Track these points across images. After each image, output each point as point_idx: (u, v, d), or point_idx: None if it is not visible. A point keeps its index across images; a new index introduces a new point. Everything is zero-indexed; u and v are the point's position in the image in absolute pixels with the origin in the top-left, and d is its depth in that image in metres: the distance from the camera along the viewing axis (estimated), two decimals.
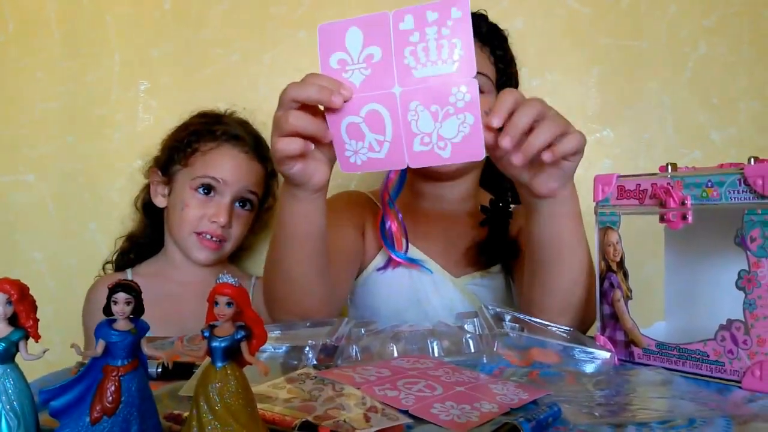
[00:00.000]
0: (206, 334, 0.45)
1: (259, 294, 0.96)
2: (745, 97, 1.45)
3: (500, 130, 0.72)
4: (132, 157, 1.49)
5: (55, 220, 1.53)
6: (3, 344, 0.45)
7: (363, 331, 0.82)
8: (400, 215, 1.10)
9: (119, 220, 1.50)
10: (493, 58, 1.16)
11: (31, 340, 0.46)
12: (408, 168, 0.79)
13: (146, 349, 0.47)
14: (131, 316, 0.46)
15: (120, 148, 1.52)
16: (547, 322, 0.83)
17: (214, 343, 0.45)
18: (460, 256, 1.13)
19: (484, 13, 1.20)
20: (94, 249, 1.52)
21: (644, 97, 1.47)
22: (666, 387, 0.68)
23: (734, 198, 0.66)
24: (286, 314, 0.91)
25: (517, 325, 0.81)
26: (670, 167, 0.74)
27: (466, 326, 0.82)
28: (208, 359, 0.46)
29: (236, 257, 1.47)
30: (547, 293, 0.88)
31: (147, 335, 0.47)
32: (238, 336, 0.45)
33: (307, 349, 0.75)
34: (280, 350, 0.78)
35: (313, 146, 0.76)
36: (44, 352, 0.46)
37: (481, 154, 0.72)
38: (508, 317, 0.83)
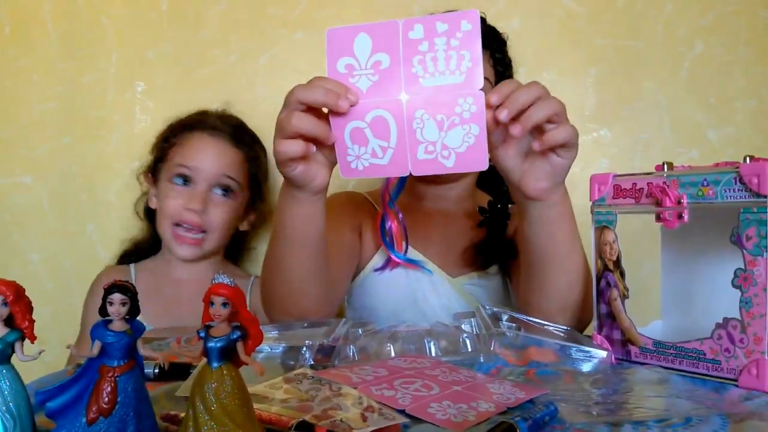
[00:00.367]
0: (202, 334, 0.45)
1: (257, 293, 0.96)
2: (742, 97, 1.46)
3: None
4: (129, 158, 1.49)
5: (53, 221, 1.53)
6: None
7: (360, 332, 0.82)
8: (401, 215, 1.10)
9: (117, 221, 1.50)
10: (493, 60, 1.17)
11: (27, 341, 0.46)
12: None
13: (142, 349, 0.47)
14: (127, 317, 0.46)
15: (117, 149, 1.52)
16: (544, 322, 0.83)
17: (210, 344, 0.45)
18: (457, 257, 1.14)
19: (482, 15, 1.21)
20: (92, 250, 1.52)
21: (641, 96, 1.47)
22: (663, 386, 0.68)
23: (730, 197, 0.66)
24: (284, 314, 0.91)
25: (514, 324, 0.81)
26: (666, 166, 0.74)
27: (463, 326, 0.82)
28: (204, 360, 0.46)
29: (239, 256, 1.46)
30: (543, 296, 0.88)
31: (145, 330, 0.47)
32: (234, 336, 0.45)
33: (304, 349, 0.75)
34: (278, 350, 0.78)
35: (314, 148, 0.76)
36: (40, 353, 0.46)
37: (484, 165, 0.72)
38: (505, 317, 0.83)
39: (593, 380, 0.70)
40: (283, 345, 0.78)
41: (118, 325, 0.46)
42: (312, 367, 0.73)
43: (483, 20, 1.17)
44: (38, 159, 1.52)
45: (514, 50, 1.27)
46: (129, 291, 0.45)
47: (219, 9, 1.51)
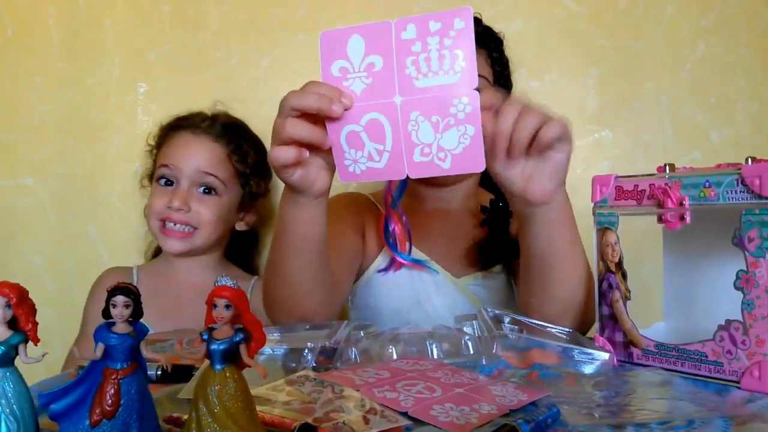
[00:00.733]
0: (205, 336, 0.45)
1: (258, 295, 0.96)
2: (743, 98, 1.46)
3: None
4: (131, 160, 1.50)
5: (55, 223, 1.53)
6: (2, 347, 0.45)
7: (362, 334, 0.82)
8: (404, 217, 1.10)
9: (118, 223, 1.50)
10: (490, 60, 1.17)
11: (30, 343, 0.46)
12: None
13: (145, 352, 0.47)
14: (130, 319, 0.46)
15: (119, 151, 1.52)
16: (546, 324, 0.83)
17: (213, 346, 0.45)
18: (461, 257, 1.14)
19: (478, 15, 1.21)
20: (94, 252, 1.52)
21: (642, 97, 1.47)
22: (665, 388, 0.68)
23: (732, 198, 0.66)
24: (286, 317, 0.91)
25: (516, 326, 0.81)
26: (667, 168, 0.74)
27: (465, 328, 0.82)
28: (207, 362, 0.46)
29: (244, 258, 1.46)
30: (546, 301, 0.88)
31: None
32: (237, 338, 0.45)
33: (306, 351, 0.75)
34: (279, 352, 0.78)
35: (308, 154, 0.76)
36: (43, 355, 0.46)
37: (481, 166, 0.72)
38: (507, 319, 0.82)
39: (595, 382, 0.70)
40: (285, 347, 0.78)
41: (121, 328, 0.46)
42: (314, 369, 0.73)
43: (479, 20, 1.18)
44: (40, 161, 1.52)
45: (515, 51, 1.27)
46: (132, 293, 0.45)
47: (220, 11, 1.51)
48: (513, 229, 1.14)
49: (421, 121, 0.71)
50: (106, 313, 0.45)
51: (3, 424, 0.44)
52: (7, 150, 1.53)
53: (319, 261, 0.88)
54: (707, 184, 0.68)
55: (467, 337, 0.79)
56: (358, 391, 0.62)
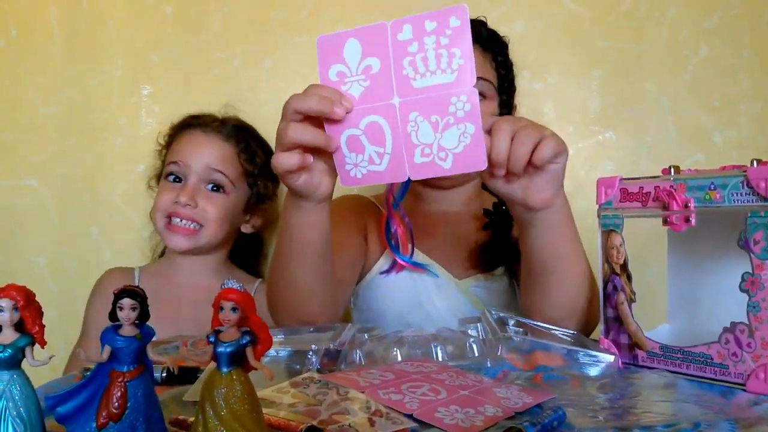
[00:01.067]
0: (211, 339, 0.45)
1: (262, 298, 0.96)
2: (746, 99, 1.45)
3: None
4: (134, 162, 1.50)
5: (57, 224, 1.53)
6: (10, 350, 0.45)
7: (366, 336, 0.82)
8: (407, 219, 1.10)
9: (121, 224, 1.51)
10: (495, 63, 1.17)
11: (37, 346, 0.46)
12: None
13: (152, 354, 0.47)
14: (137, 321, 0.46)
15: (122, 152, 1.52)
16: (550, 326, 0.83)
17: (220, 349, 0.45)
18: (463, 259, 1.14)
19: (483, 19, 1.21)
20: (96, 253, 1.52)
21: (645, 99, 1.47)
22: (670, 390, 0.68)
23: (737, 200, 0.66)
24: (290, 319, 0.91)
25: (520, 328, 0.81)
26: (672, 170, 0.74)
27: (469, 331, 0.82)
28: (213, 364, 0.46)
29: (250, 261, 1.46)
30: (548, 304, 0.88)
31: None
32: (244, 341, 0.45)
33: (311, 353, 0.75)
34: (283, 354, 0.78)
35: (312, 159, 0.76)
36: (50, 358, 0.46)
37: (483, 164, 0.71)
38: (511, 321, 0.82)
39: (600, 385, 0.70)
40: (289, 349, 0.78)
41: (127, 330, 0.46)
42: (318, 371, 0.73)
43: (484, 25, 1.19)
44: (43, 162, 1.53)
45: (517, 53, 1.27)
46: (139, 296, 0.45)
47: (222, 12, 1.51)
48: (515, 231, 1.14)
49: (421, 122, 0.71)
50: (112, 316, 0.45)
51: (10, 427, 0.44)
52: (9, 150, 1.53)
53: (322, 264, 0.88)
54: (712, 186, 0.68)
55: (472, 340, 0.79)
56: (363, 393, 0.62)
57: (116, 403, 0.45)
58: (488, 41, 1.16)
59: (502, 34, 1.23)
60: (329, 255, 0.88)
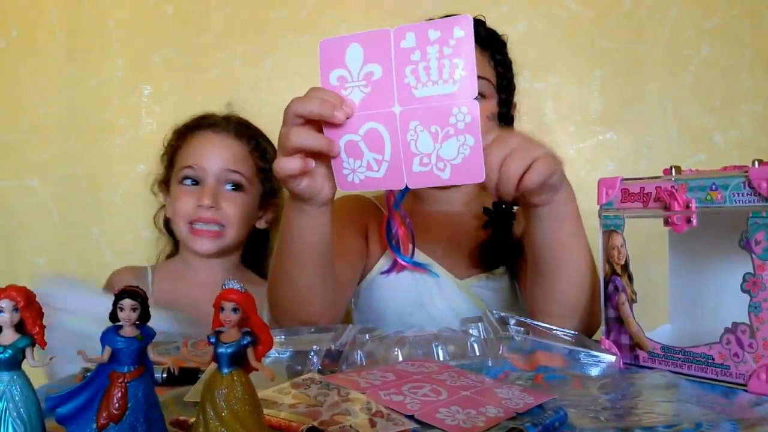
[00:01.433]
0: (212, 340, 0.45)
1: None
2: (747, 99, 1.45)
3: None
4: (135, 162, 1.50)
5: (58, 225, 1.53)
6: (10, 351, 0.45)
7: (367, 337, 0.82)
8: (407, 219, 1.10)
9: (122, 224, 1.50)
10: (493, 62, 1.17)
11: (37, 347, 0.46)
12: None
13: (152, 355, 0.47)
14: (137, 322, 0.46)
15: (123, 152, 1.52)
16: (552, 326, 0.83)
17: (221, 349, 0.45)
18: (464, 259, 1.13)
19: (482, 18, 1.21)
20: (97, 254, 1.52)
21: (646, 99, 1.47)
22: (671, 390, 0.68)
23: (738, 201, 0.66)
24: (291, 320, 0.91)
25: (522, 328, 0.81)
26: (674, 170, 0.74)
27: (470, 330, 0.82)
28: (213, 365, 0.45)
29: (260, 260, 1.46)
30: (549, 298, 0.88)
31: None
32: (245, 342, 0.45)
33: (312, 354, 0.75)
34: (284, 355, 0.78)
35: (313, 163, 0.75)
36: (51, 359, 0.46)
37: (481, 177, 0.70)
38: (512, 321, 0.82)
39: (601, 385, 0.70)
40: (290, 350, 0.78)
41: (128, 331, 0.46)
42: (319, 372, 0.73)
43: (483, 23, 1.18)
44: (44, 162, 1.53)
45: (518, 53, 1.27)
46: (139, 296, 0.45)
47: (223, 13, 1.51)
48: (516, 230, 1.14)
49: (420, 131, 0.70)
50: (113, 317, 0.45)
51: (10, 428, 0.44)
52: (10, 151, 1.53)
53: (323, 265, 0.88)
54: (714, 186, 0.68)
55: (473, 339, 0.79)
56: (364, 393, 0.62)
57: (117, 404, 0.45)
58: (486, 40, 1.16)
59: (502, 34, 1.23)
60: (330, 257, 0.88)
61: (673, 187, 0.71)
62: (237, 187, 1.30)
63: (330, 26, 1.49)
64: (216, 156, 1.29)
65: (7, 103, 1.53)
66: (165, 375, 0.69)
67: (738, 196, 0.66)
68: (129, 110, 1.52)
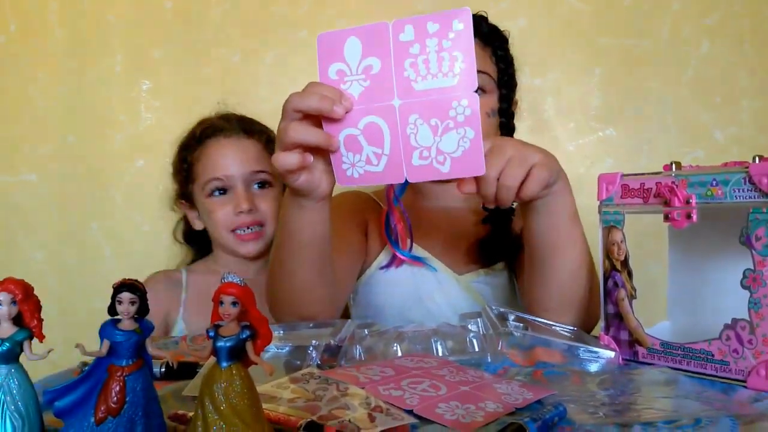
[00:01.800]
0: (211, 333, 0.45)
1: None
2: (747, 96, 1.45)
3: None
4: (134, 157, 1.50)
5: (57, 220, 1.53)
6: (8, 344, 0.45)
7: (366, 332, 0.82)
8: (406, 214, 1.10)
9: (121, 219, 1.50)
10: (495, 57, 1.16)
11: (35, 340, 0.46)
12: None
13: (151, 348, 0.47)
14: (136, 316, 0.46)
15: (122, 148, 1.52)
16: (550, 322, 0.83)
17: (219, 343, 0.45)
18: (463, 254, 1.13)
19: (484, 14, 1.21)
20: (96, 249, 1.52)
21: (646, 96, 1.47)
22: (671, 386, 0.68)
23: (739, 197, 0.66)
24: (290, 316, 0.91)
25: (521, 324, 0.81)
26: (674, 166, 0.73)
27: (469, 326, 0.82)
28: (212, 359, 0.45)
29: None
30: (546, 289, 0.89)
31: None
32: (244, 336, 0.45)
33: (311, 349, 0.75)
34: (283, 350, 0.77)
35: (312, 158, 0.75)
36: (48, 352, 0.46)
37: (481, 170, 0.70)
38: (512, 317, 0.82)
39: (600, 381, 0.69)
40: (290, 345, 0.78)
41: (127, 324, 0.46)
42: (318, 367, 0.72)
43: (485, 19, 1.18)
44: (43, 157, 1.52)
45: (518, 49, 1.26)
46: (138, 290, 0.45)
47: (223, 8, 1.51)
48: (516, 226, 1.14)
49: (420, 124, 0.70)
50: (112, 310, 0.45)
51: (8, 421, 0.44)
52: (9, 146, 1.53)
53: (321, 261, 0.88)
54: (714, 182, 0.68)
55: (472, 335, 0.79)
56: (363, 388, 0.62)
57: (115, 398, 0.45)
58: (488, 35, 1.15)
59: (504, 30, 1.23)
60: (328, 252, 0.88)
61: (673, 182, 0.71)
62: (265, 184, 1.32)
63: (329, 21, 1.48)
64: (237, 161, 1.30)
65: (6, 98, 1.53)
66: (164, 369, 0.69)
67: (738, 191, 0.66)
68: (128, 105, 1.52)
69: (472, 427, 0.54)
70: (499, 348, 0.76)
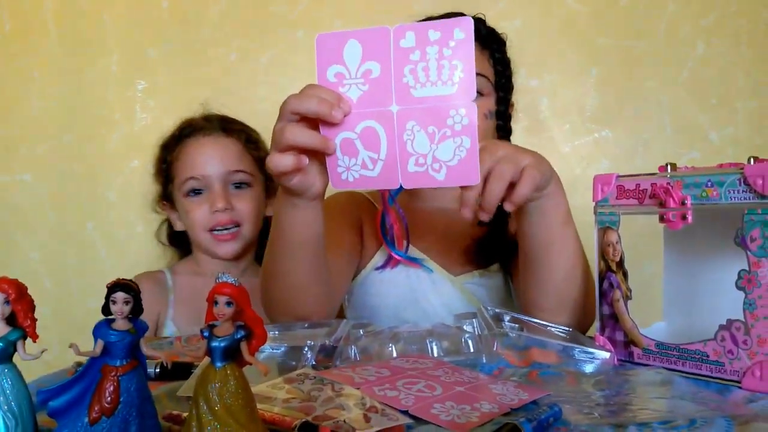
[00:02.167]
0: (206, 333, 0.45)
1: None
2: (742, 97, 1.46)
3: None
4: (130, 157, 1.49)
5: (53, 219, 1.52)
6: (1, 344, 0.44)
7: (361, 332, 0.82)
8: (403, 214, 1.10)
9: (117, 219, 1.50)
10: (493, 60, 1.17)
11: (29, 340, 0.46)
12: None
13: (145, 348, 0.47)
14: (130, 315, 0.46)
15: (118, 147, 1.52)
16: (546, 323, 0.83)
17: (214, 343, 0.44)
18: (458, 255, 1.13)
19: (482, 17, 1.21)
20: (92, 249, 1.52)
21: (643, 97, 1.47)
22: (666, 387, 0.68)
23: (734, 198, 0.66)
24: (284, 316, 0.91)
25: (516, 325, 0.81)
26: (669, 167, 0.74)
27: (465, 326, 0.82)
28: (207, 359, 0.45)
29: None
30: (541, 290, 0.89)
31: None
32: (238, 336, 0.45)
33: (306, 349, 0.75)
34: (279, 351, 0.77)
35: (307, 161, 0.75)
36: (42, 352, 0.46)
37: (476, 179, 0.70)
38: (507, 317, 0.82)
39: (596, 381, 0.70)
40: (285, 345, 0.78)
41: (120, 324, 0.45)
42: (313, 367, 0.72)
43: (483, 22, 1.18)
44: (38, 157, 1.52)
45: (515, 50, 1.26)
46: (132, 290, 0.45)
47: (220, 8, 1.51)
48: (511, 228, 1.14)
49: (417, 131, 0.70)
50: (106, 310, 0.45)
51: (1, 421, 0.44)
52: (5, 145, 1.52)
53: (315, 261, 0.88)
54: (709, 183, 0.68)
55: (467, 336, 0.79)
56: (358, 389, 0.62)
57: (109, 398, 0.45)
58: (486, 38, 1.15)
59: (501, 33, 1.23)
60: (322, 251, 0.88)
61: (668, 183, 0.71)
62: (243, 184, 1.31)
63: (327, 21, 1.48)
64: (215, 160, 1.29)
65: (1, 97, 1.52)
66: (158, 370, 0.68)
67: (733, 193, 0.66)
68: (124, 105, 1.51)
69: (467, 427, 0.54)
70: (495, 348, 0.76)
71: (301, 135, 0.72)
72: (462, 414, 0.56)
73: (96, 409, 0.45)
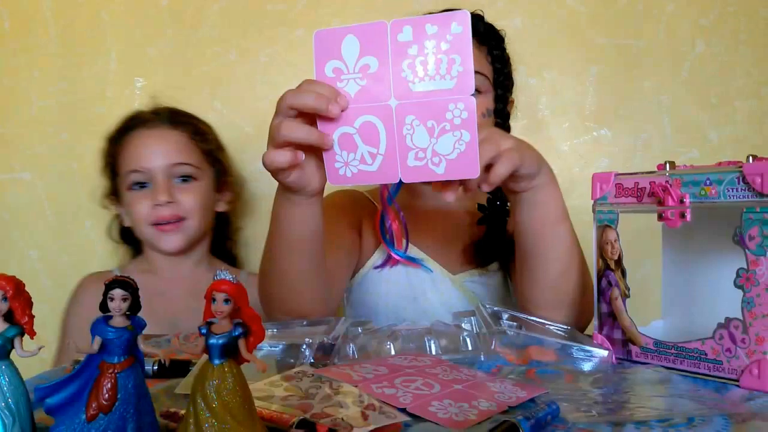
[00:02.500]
0: (204, 331, 0.45)
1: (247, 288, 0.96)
2: (742, 96, 1.46)
3: None
4: None
5: (51, 218, 1.52)
6: None
7: (360, 330, 0.82)
8: (401, 213, 1.10)
9: (115, 218, 1.49)
10: (491, 57, 1.16)
11: (26, 337, 0.46)
12: None
13: (143, 346, 0.47)
14: (128, 312, 0.45)
15: None
16: (544, 321, 0.83)
17: (212, 341, 0.44)
18: (457, 254, 1.13)
19: (480, 13, 1.20)
20: (90, 247, 1.51)
21: (642, 96, 1.47)
22: (664, 385, 0.68)
23: (733, 196, 0.66)
24: (283, 314, 0.91)
25: (514, 323, 0.81)
26: (668, 165, 0.73)
27: (463, 324, 0.82)
28: (205, 356, 0.45)
29: (228, 245, 1.45)
30: (537, 286, 0.89)
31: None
32: (236, 333, 0.45)
33: (304, 347, 0.75)
34: (277, 348, 0.77)
35: (303, 157, 0.74)
36: (39, 349, 0.46)
37: (476, 172, 0.70)
38: (505, 315, 0.82)
39: (594, 379, 0.70)
40: (283, 343, 0.78)
41: (118, 321, 0.45)
42: (312, 365, 0.72)
43: (481, 18, 1.18)
44: (37, 155, 1.52)
45: (514, 49, 1.26)
46: (130, 287, 0.45)
47: (218, 6, 1.50)
48: (510, 227, 1.14)
49: (417, 125, 0.70)
50: (103, 307, 0.45)
51: None
52: (3, 143, 1.52)
53: (314, 259, 0.87)
54: (708, 181, 0.68)
55: (465, 334, 0.79)
56: (356, 387, 0.62)
57: (106, 395, 0.45)
58: (485, 35, 1.15)
59: (501, 30, 1.23)
60: (320, 248, 0.87)
61: (667, 182, 0.71)
62: (188, 177, 1.28)
63: (326, 19, 1.48)
64: (158, 153, 1.26)
65: (0, 96, 1.52)
66: (156, 367, 0.68)
67: (732, 191, 0.66)
68: (122, 103, 1.51)
69: (465, 425, 0.54)
70: (493, 347, 0.76)
71: (297, 130, 0.72)
72: (460, 412, 0.56)
73: (93, 406, 0.45)
